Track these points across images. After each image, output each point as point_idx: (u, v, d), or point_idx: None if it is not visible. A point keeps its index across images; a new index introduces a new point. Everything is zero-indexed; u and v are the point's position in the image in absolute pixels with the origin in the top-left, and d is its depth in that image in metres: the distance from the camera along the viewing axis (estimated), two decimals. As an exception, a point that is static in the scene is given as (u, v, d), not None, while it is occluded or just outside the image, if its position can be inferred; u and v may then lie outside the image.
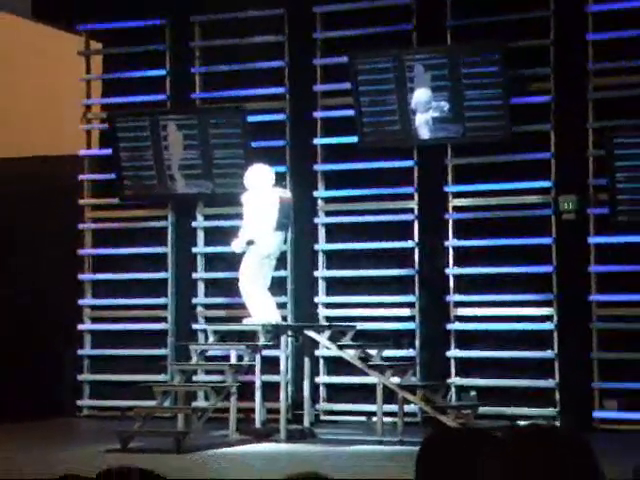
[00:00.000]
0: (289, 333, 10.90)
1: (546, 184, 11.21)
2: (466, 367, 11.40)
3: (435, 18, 11.55)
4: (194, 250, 12.39)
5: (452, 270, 11.50)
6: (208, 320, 12.09)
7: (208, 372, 11.64)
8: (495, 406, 10.93)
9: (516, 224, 11.25)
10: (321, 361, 11.77)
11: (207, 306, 12.35)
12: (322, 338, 10.68)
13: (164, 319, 12.41)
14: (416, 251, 11.61)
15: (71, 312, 12.52)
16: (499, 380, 11.18)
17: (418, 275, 11.59)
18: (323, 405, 11.79)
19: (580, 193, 11.07)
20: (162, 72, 12.55)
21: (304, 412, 10.84)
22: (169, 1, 12.55)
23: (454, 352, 11.42)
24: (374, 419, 10.69)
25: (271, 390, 10.60)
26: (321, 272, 11.96)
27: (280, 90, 12.12)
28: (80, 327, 12.64)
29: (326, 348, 11.01)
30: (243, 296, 10.73)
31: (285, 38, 12.12)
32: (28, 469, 8.17)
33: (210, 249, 12.33)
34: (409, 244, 11.64)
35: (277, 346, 10.67)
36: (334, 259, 11.99)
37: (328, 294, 11.95)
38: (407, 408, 10.60)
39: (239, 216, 10.90)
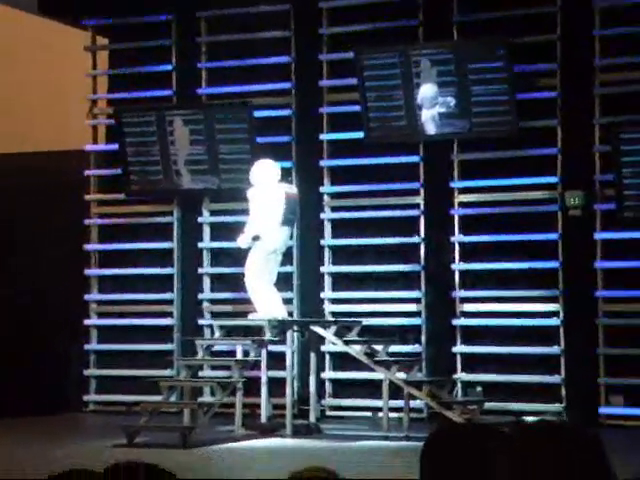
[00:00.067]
0: (295, 328, 10.90)
1: (552, 180, 11.20)
2: (472, 363, 11.40)
3: (441, 13, 11.54)
4: (200, 245, 12.40)
5: (458, 266, 11.50)
6: (214, 315, 12.10)
7: (214, 367, 11.65)
8: (501, 402, 10.93)
9: (522, 220, 11.24)
10: (327, 356, 11.77)
11: (213, 301, 12.36)
12: (328, 334, 10.69)
13: (170, 314, 12.42)
14: (422, 247, 11.61)
15: (77, 307, 12.54)
16: (505, 376, 11.18)
17: (424, 271, 11.59)
18: (329, 400, 11.80)
19: (586, 189, 11.05)
20: (168, 67, 12.55)
21: (310, 407, 10.84)
22: (175, -4, 12.55)
23: (460, 348, 11.42)
24: (380, 414, 10.70)
25: (277, 385, 10.61)
26: (327, 267, 11.96)
27: (286, 85, 12.12)
28: (86, 322, 12.66)
29: (332, 344, 11.02)
30: (249, 291, 10.74)
31: (291, 33, 12.12)
32: (33, 464, 8.19)
33: (216, 244, 12.34)
34: (415, 240, 11.64)
35: (283, 341, 10.67)
36: (340, 255, 11.99)
37: (334, 290, 11.95)
38: (413, 404, 10.60)
39: (245, 211, 10.90)
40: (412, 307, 11.60)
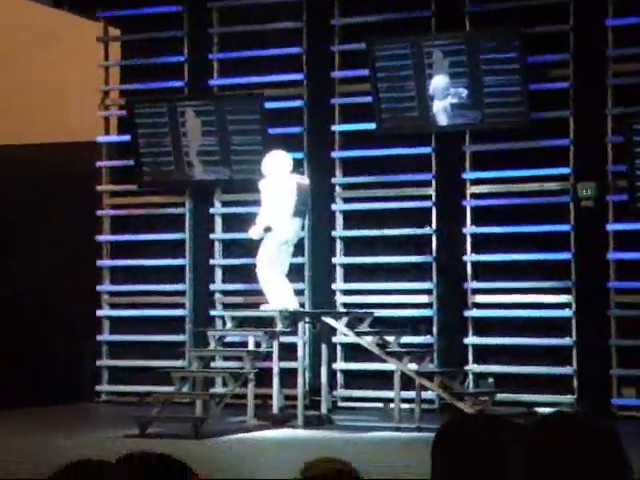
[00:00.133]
0: (307, 319, 10.91)
1: (565, 171, 11.17)
2: (484, 354, 11.39)
3: (453, 4, 11.51)
4: (212, 236, 12.41)
5: (470, 257, 11.48)
6: (226, 306, 12.11)
7: (226, 358, 11.67)
8: (513, 393, 10.92)
9: (534, 211, 11.22)
10: (338, 347, 11.78)
11: (225, 292, 12.38)
12: (340, 325, 10.69)
13: (182, 305, 12.44)
14: (434, 238, 11.60)
15: (90, 298, 12.57)
16: (517, 367, 11.17)
17: (436, 262, 11.58)
18: (340, 391, 11.80)
19: (599, 180, 11.02)
20: (180, 58, 12.55)
21: (321, 398, 10.85)
22: (187, -13, 12.55)
23: (472, 339, 11.41)
24: (391, 406, 10.70)
25: (289, 376, 10.62)
26: (339, 259, 11.96)
27: (298, 77, 12.10)
28: (99, 313, 12.69)
29: (343, 335, 11.02)
30: (261, 282, 10.75)
31: (303, 24, 12.10)
32: (46, 454, 8.22)
33: (228, 235, 12.35)
34: (427, 231, 11.63)
35: (295, 332, 10.68)
36: (352, 246, 11.98)
37: (346, 281, 11.95)
38: (424, 395, 10.61)
39: (257, 203, 10.91)
40: (424, 298, 11.60)
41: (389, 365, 10.51)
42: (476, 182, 11.55)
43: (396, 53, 11.43)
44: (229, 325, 11.01)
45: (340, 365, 11.81)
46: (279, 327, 10.51)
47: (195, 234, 12.49)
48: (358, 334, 10.63)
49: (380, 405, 11.48)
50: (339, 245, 11.99)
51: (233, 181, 12.17)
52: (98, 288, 12.70)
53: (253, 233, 10.69)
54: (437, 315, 11.54)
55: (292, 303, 10.74)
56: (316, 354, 11.31)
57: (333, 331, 11.14)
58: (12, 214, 13.16)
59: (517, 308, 11.26)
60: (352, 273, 11.96)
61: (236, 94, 12.20)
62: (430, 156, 11.65)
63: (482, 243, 11.48)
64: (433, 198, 11.62)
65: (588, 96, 11.09)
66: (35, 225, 13.15)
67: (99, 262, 12.74)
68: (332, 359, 11.46)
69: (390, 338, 10.69)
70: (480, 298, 11.43)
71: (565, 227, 11.11)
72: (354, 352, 11.54)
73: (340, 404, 11.72)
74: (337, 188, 12.03)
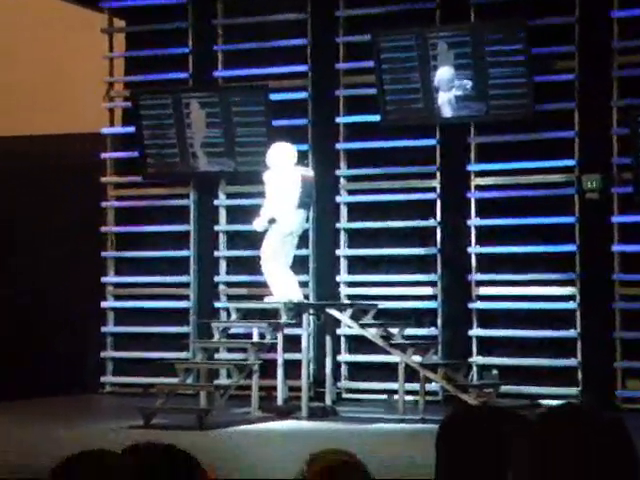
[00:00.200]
0: (311, 311, 10.92)
1: (569, 163, 11.16)
2: (488, 346, 11.39)
3: (458, -5, 11.48)
4: (216, 228, 12.41)
5: (474, 249, 11.48)
6: (230, 298, 12.12)
7: (230, 350, 11.68)
8: (517, 385, 10.92)
9: (539, 203, 11.20)
10: (343, 339, 11.79)
11: (229, 284, 12.38)
12: (344, 316, 10.70)
13: (186, 297, 12.45)
14: (438, 230, 11.59)
15: (94, 289, 12.58)
16: (521, 359, 11.17)
17: (440, 254, 11.58)
18: (345, 383, 11.81)
19: (604, 172, 11.01)
20: (185, 50, 12.54)
21: (326, 390, 10.86)
22: (192, -21, 12.53)
23: (476, 331, 11.41)
24: (395, 397, 10.71)
25: (293, 368, 10.63)
26: (343, 251, 11.96)
27: (302, 68, 12.09)
28: (103, 304, 12.70)
29: (348, 326, 11.03)
30: (265, 274, 10.75)
31: (307, 16, 12.08)
32: (49, 445, 8.23)
33: (232, 227, 12.35)
34: (431, 223, 11.62)
35: (299, 324, 10.69)
36: (356, 238, 11.98)
37: (350, 273, 11.95)
38: (429, 387, 10.61)
39: (261, 194, 10.90)
40: (428, 290, 11.60)
41: (393, 357, 10.52)
42: (481, 174, 11.54)
43: (401, 45, 11.41)
44: (233, 317, 11.01)
45: (344, 357, 11.82)
46: (283, 319, 10.51)
47: (199, 226, 12.50)
48: (362, 326, 10.64)
49: (384, 397, 11.49)
50: (343, 237, 11.99)
51: (238, 173, 12.16)
52: (103, 280, 12.71)
53: (257, 225, 10.69)
54: (441, 307, 11.54)
55: (296, 295, 10.74)
56: (320, 346, 11.32)
57: (337, 323, 11.15)
58: (14, 206, 13.16)
59: (521, 300, 11.25)
60: (356, 265, 11.96)
61: (241, 86, 12.19)
62: (435, 148, 11.64)
63: (486, 235, 11.47)
64: (438, 190, 11.61)
65: (593, 88, 11.06)
66: (39, 217, 13.14)
67: (104, 254, 12.75)
68: (336, 351, 11.47)
69: (394, 330, 10.69)
70: (484, 290, 11.42)
71: (570, 219, 11.10)
72: (358, 344, 11.55)
73: (344, 396, 11.73)
74: (341, 180, 12.02)
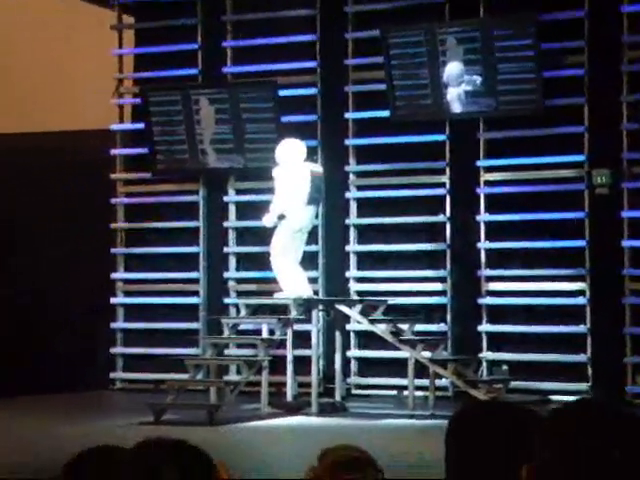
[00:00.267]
0: (320, 307, 10.92)
1: (579, 158, 11.14)
2: (497, 341, 11.39)
3: (468, -9, 11.46)
4: (226, 224, 12.43)
5: (484, 244, 11.47)
6: (240, 294, 12.13)
7: (240, 346, 11.69)
8: (526, 380, 10.92)
9: (549, 198, 11.19)
10: (352, 335, 11.79)
11: (239, 280, 12.40)
12: (353, 312, 10.70)
13: (196, 293, 12.46)
14: (448, 225, 11.58)
15: (104, 286, 12.60)
16: (531, 354, 11.16)
17: (449, 249, 11.57)
18: (354, 379, 11.82)
19: (614, 167, 10.99)
20: (194, 46, 12.55)
21: (335, 386, 10.87)
22: (200, -25, 12.53)
23: (485, 326, 11.41)
24: (405, 393, 10.71)
25: (302, 364, 10.64)
26: (352, 246, 11.96)
27: (312, 64, 12.09)
28: (113, 300, 12.73)
29: (357, 322, 11.03)
30: (274, 270, 10.76)
31: (316, 12, 12.08)
32: (60, 441, 8.25)
33: (241, 223, 12.36)
34: (441, 218, 11.61)
35: (308, 320, 10.69)
36: (365, 233, 11.98)
37: (359, 268, 11.95)
38: (438, 382, 10.61)
39: (270, 190, 10.91)
40: (437, 286, 11.59)
41: (403, 353, 10.52)
42: (490, 169, 11.53)
43: (410, 40, 11.40)
44: (243, 313, 11.03)
45: (354, 353, 11.82)
46: (293, 315, 10.52)
47: (209, 222, 12.51)
48: (372, 322, 10.64)
49: (394, 392, 11.49)
50: (353, 233, 11.99)
51: (247, 169, 12.17)
52: (112, 276, 12.74)
53: (267, 221, 10.70)
54: (451, 303, 11.53)
55: (306, 291, 10.75)
56: (330, 342, 11.32)
57: (347, 319, 11.15)
58: (21, 204, 13.17)
59: (531, 296, 11.24)
60: (366, 261, 11.96)
61: (250, 82, 12.20)
62: (444, 143, 11.63)
63: (496, 231, 11.46)
64: (447, 186, 11.60)
65: (603, 83, 11.04)
66: (48, 214, 13.16)
67: (113, 250, 12.77)
68: (346, 347, 11.47)
69: (404, 326, 10.69)
70: (494, 286, 11.42)
71: (580, 214, 11.08)
72: (368, 340, 11.55)
73: (354, 391, 11.74)
74: (351, 176, 12.02)
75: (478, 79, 11.22)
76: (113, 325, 12.70)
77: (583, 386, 10.94)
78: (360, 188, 12.03)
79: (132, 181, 12.90)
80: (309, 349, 10.70)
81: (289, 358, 10.47)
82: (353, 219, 11.97)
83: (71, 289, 12.81)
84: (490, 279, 11.45)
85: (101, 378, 12.53)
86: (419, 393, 10.48)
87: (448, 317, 11.53)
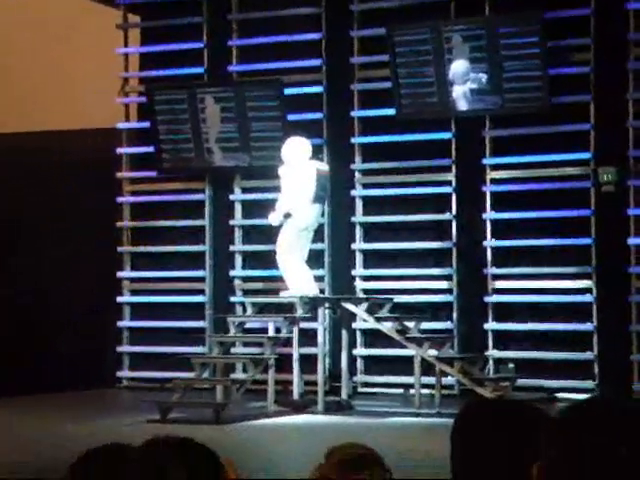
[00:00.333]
0: (326, 305, 10.93)
1: (585, 156, 11.13)
2: (504, 339, 11.38)
3: (473, -12, 11.45)
4: (232, 223, 12.43)
5: (490, 242, 11.47)
6: (246, 292, 12.14)
7: (246, 344, 11.70)
8: (533, 378, 10.91)
9: (555, 196, 11.18)
10: (358, 333, 11.79)
11: (245, 278, 12.40)
12: (359, 310, 10.70)
13: (202, 291, 12.47)
14: (453, 223, 11.58)
15: (111, 284, 12.62)
16: (537, 352, 11.16)
17: (455, 248, 11.57)
18: (360, 377, 11.82)
19: (620, 164, 10.97)
20: (199, 45, 12.56)
21: (342, 384, 10.87)
22: (206, -27, 12.54)
23: (492, 324, 11.40)
24: (411, 391, 10.71)
25: (309, 362, 10.64)
26: (358, 245, 11.96)
27: (317, 62, 12.09)
28: (119, 299, 12.74)
29: (363, 320, 11.03)
30: (280, 268, 10.77)
31: (322, 10, 12.08)
32: (66, 440, 8.26)
33: (247, 222, 12.37)
34: (447, 216, 11.61)
35: (315, 318, 10.70)
36: (371, 231, 11.98)
37: (365, 267, 11.96)
38: (445, 380, 10.61)
39: (276, 189, 10.92)
40: (443, 284, 11.59)
41: (409, 351, 10.52)
42: (496, 167, 11.52)
43: (415, 38, 11.40)
44: (249, 311, 11.04)
45: (360, 351, 11.82)
46: (299, 313, 10.53)
47: (215, 220, 12.52)
48: (378, 320, 10.64)
49: (400, 391, 11.49)
50: (359, 231, 11.99)
51: (253, 167, 12.18)
52: (119, 274, 12.76)
53: (273, 219, 10.71)
54: (457, 301, 11.53)
55: (312, 289, 10.75)
56: (336, 340, 11.33)
57: (353, 317, 11.15)
58: (28, 203, 13.19)
59: (537, 293, 11.23)
60: (372, 259, 11.96)
61: (255, 80, 12.20)
62: (450, 141, 11.62)
63: (502, 228, 11.46)
64: (453, 183, 11.60)
65: (609, 80, 11.03)
66: (54, 214, 13.18)
67: (120, 249, 12.79)
68: (352, 345, 11.48)
69: (410, 324, 10.70)
70: (500, 284, 11.41)
71: (586, 212, 11.07)
72: (374, 338, 11.55)
73: (360, 390, 11.74)
74: (357, 174, 12.02)
75: (484, 77, 11.22)
76: (119, 323, 12.72)
77: (590, 384, 10.93)
78: (366, 186, 12.03)
79: (138, 180, 12.91)
80: (315, 347, 10.71)
81: (295, 356, 10.47)
82: (359, 217, 11.98)
83: (73, 288, 12.83)
84: (496, 277, 11.45)
85: (107, 376, 12.54)
86: (425, 391, 10.48)
87: (454, 315, 11.53)
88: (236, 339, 11.17)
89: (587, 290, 11.09)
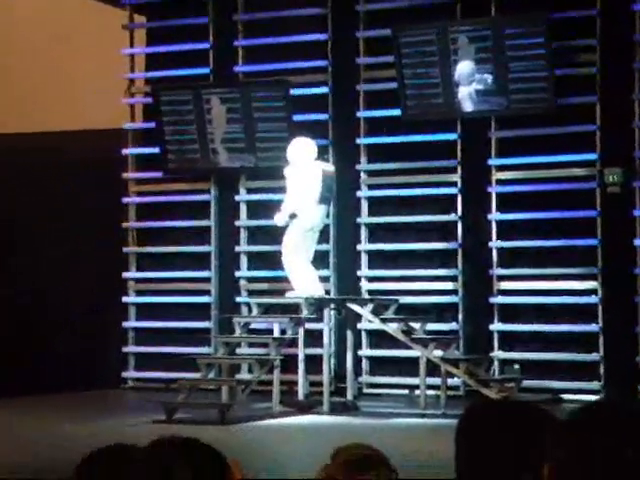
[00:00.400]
0: (332, 306, 10.93)
1: (591, 157, 11.11)
2: (509, 340, 11.37)
3: (479, -11, 11.45)
4: (237, 223, 12.44)
5: (495, 243, 11.46)
6: (251, 293, 12.15)
7: (251, 345, 11.70)
8: (538, 379, 10.90)
9: (560, 197, 11.17)
10: (364, 334, 11.79)
11: (250, 279, 12.41)
12: (365, 311, 10.70)
13: (207, 292, 12.48)
14: (459, 224, 11.58)
15: (116, 285, 12.62)
16: (542, 353, 11.15)
17: (461, 248, 11.56)
18: (366, 378, 11.82)
19: (625, 165, 10.96)
20: (205, 45, 12.56)
21: (347, 385, 10.87)
22: (212, -26, 12.54)
23: (497, 325, 11.40)
24: (417, 392, 10.71)
25: (314, 363, 10.64)
26: (364, 245, 11.96)
27: (323, 63, 12.09)
28: (125, 299, 12.75)
29: (369, 321, 11.03)
30: (286, 269, 10.77)
31: (328, 10, 12.08)
32: (71, 440, 8.27)
33: (253, 222, 12.38)
34: (452, 217, 11.61)
35: (320, 319, 10.70)
36: (377, 232, 11.98)
37: (371, 267, 11.95)
38: (450, 381, 10.60)
39: (282, 189, 10.92)
40: (449, 285, 11.59)
41: (414, 352, 10.51)
42: (501, 168, 11.52)
43: (421, 39, 11.40)
44: (255, 312, 11.04)
45: (365, 352, 11.82)
46: (304, 314, 10.53)
47: (220, 221, 12.53)
48: (383, 321, 10.64)
49: (405, 392, 11.48)
50: (364, 232, 11.99)
51: (258, 168, 12.18)
52: (124, 275, 12.77)
53: (278, 220, 10.71)
54: (462, 302, 11.52)
55: (317, 290, 10.75)
56: (341, 341, 11.32)
57: (358, 318, 11.15)
58: (28, 201, 13.18)
59: (543, 295, 11.22)
60: (377, 260, 11.96)
61: (261, 81, 12.21)
62: (455, 142, 11.62)
63: (507, 229, 11.45)
64: (458, 184, 11.60)
65: (615, 81, 11.02)
66: (60, 213, 13.18)
67: (125, 249, 12.80)
68: (357, 346, 11.48)
69: (415, 325, 10.69)
70: (505, 284, 11.40)
71: (591, 213, 11.06)
72: (379, 339, 11.55)
73: (365, 390, 11.74)
74: (362, 175, 12.02)
75: (489, 78, 11.21)
76: (125, 324, 12.73)
77: (595, 385, 10.92)
78: (371, 187, 12.03)
79: (143, 180, 12.92)
80: (321, 348, 10.71)
81: (300, 357, 10.47)
82: (364, 218, 11.97)
83: (72, 288, 12.83)
84: (502, 278, 11.44)
85: (112, 377, 12.55)
86: (430, 392, 10.48)
87: (460, 316, 11.52)
88: (241, 340, 11.18)
89: (593, 291, 11.07)
